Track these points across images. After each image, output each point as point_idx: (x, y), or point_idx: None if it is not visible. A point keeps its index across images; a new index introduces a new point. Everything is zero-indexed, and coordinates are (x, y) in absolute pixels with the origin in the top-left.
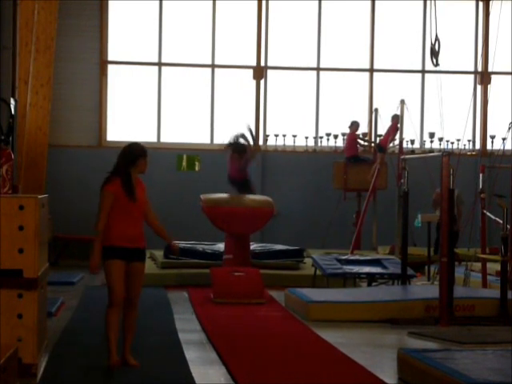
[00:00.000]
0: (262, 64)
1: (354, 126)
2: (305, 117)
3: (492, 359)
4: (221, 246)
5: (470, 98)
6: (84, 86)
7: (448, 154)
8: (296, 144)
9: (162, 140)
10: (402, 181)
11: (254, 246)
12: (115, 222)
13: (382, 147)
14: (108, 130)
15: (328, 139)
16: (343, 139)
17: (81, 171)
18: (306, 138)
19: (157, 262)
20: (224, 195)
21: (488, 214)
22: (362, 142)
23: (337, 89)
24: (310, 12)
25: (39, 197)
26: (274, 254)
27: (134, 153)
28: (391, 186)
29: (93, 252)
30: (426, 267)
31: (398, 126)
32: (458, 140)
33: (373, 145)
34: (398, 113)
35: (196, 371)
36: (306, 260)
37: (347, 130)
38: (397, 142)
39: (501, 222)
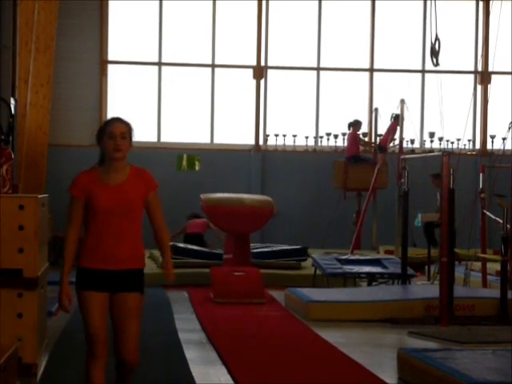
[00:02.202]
0: (262, 64)
1: (357, 125)
2: (305, 116)
3: (492, 359)
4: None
5: (470, 98)
6: (84, 86)
7: (448, 154)
8: (296, 144)
9: (162, 140)
10: (402, 180)
11: (255, 246)
12: (88, 234)
13: (382, 147)
14: None
15: (328, 139)
16: (343, 139)
17: (80, 171)
18: (306, 137)
19: (157, 262)
20: (224, 195)
21: (488, 213)
22: (361, 138)
23: (337, 88)
24: (310, 12)
25: (39, 196)
26: (277, 254)
27: (98, 135)
28: (391, 186)
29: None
30: (426, 267)
31: (398, 127)
32: (458, 140)
33: (373, 145)
34: (398, 112)
35: (196, 371)
36: (307, 259)
37: (347, 130)
38: (397, 141)
39: (501, 221)
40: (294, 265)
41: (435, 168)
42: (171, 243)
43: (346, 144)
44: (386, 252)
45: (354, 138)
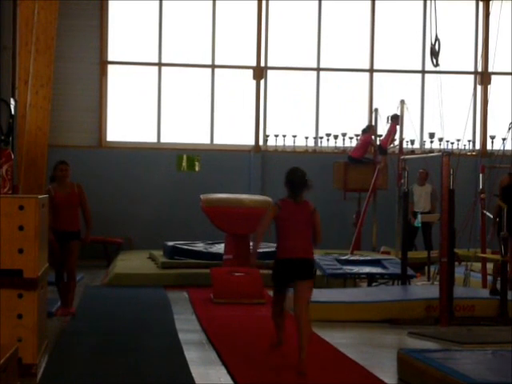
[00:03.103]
0: (262, 64)
1: (372, 129)
2: (305, 117)
3: (492, 359)
4: (219, 247)
5: (470, 98)
6: (84, 86)
7: (448, 154)
8: (296, 144)
9: (162, 140)
10: (402, 181)
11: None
12: None
13: (383, 149)
14: (108, 130)
15: (328, 139)
16: (343, 139)
17: (81, 171)
18: (306, 138)
19: (157, 262)
20: (224, 195)
21: (488, 214)
22: (374, 144)
23: (337, 89)
24: (310, 12)
25: (39, 197)
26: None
27: None
28: (391, 186)
29: None
30: (426, 267)
31: (397, 127)
32: (458, 140)
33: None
34: (398, 113)
35: (196, 371)
36: None
37: (347, 130)
38: (397, 142)
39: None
40: None
41: (435, 168)
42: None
43: (354, 144)
44: (383, 253)
45: (366, 143)
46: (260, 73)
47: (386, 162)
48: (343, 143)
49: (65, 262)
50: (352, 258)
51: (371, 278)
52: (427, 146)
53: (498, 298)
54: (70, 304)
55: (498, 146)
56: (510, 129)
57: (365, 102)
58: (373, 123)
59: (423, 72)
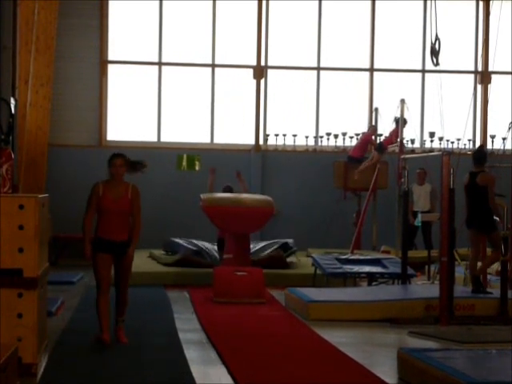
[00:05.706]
0: (263, 63)
1: (372, 129)
2: (305, 116)
3: (492, 359)
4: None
5: (471, 98)
6: (84, 86)
7: (448, 154)
8: (296, 143)
9: (162, 139)
10: (402, 180)
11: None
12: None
13: (382, 147)
14: (108, 130)
15: (328, 139)
16: (343, 138)
17: (81, 171)
18: (307, 137)
19: (157, 261)
20: (224, 195)
21: None
22: (374, 142)
23: (337, 88)
24: (310, 12)
25: (39, 196)
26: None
27: None
28: (391, 186)
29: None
30: (426, 266)
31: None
32: (459, 139)
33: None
34: (398, 111)
35: (196, 371)
36: (306, 259)
37: (347, 130)
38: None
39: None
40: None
41: (436, 167)
42: None
43: (354, 143)
44: (383, 252)
45: (366, 142)
46: (260, 72)
47: (379, 159)
48: (343, 142)
49: (119, 278)
50: (352, 257)
51: (371, 278)
52: (427, 145)
53: (498, 298)
54: (122, 327)
55: (498, 145)
56: (510, 128)
57: (365, 102)
58: (373, 122)
59: (423, 71)
